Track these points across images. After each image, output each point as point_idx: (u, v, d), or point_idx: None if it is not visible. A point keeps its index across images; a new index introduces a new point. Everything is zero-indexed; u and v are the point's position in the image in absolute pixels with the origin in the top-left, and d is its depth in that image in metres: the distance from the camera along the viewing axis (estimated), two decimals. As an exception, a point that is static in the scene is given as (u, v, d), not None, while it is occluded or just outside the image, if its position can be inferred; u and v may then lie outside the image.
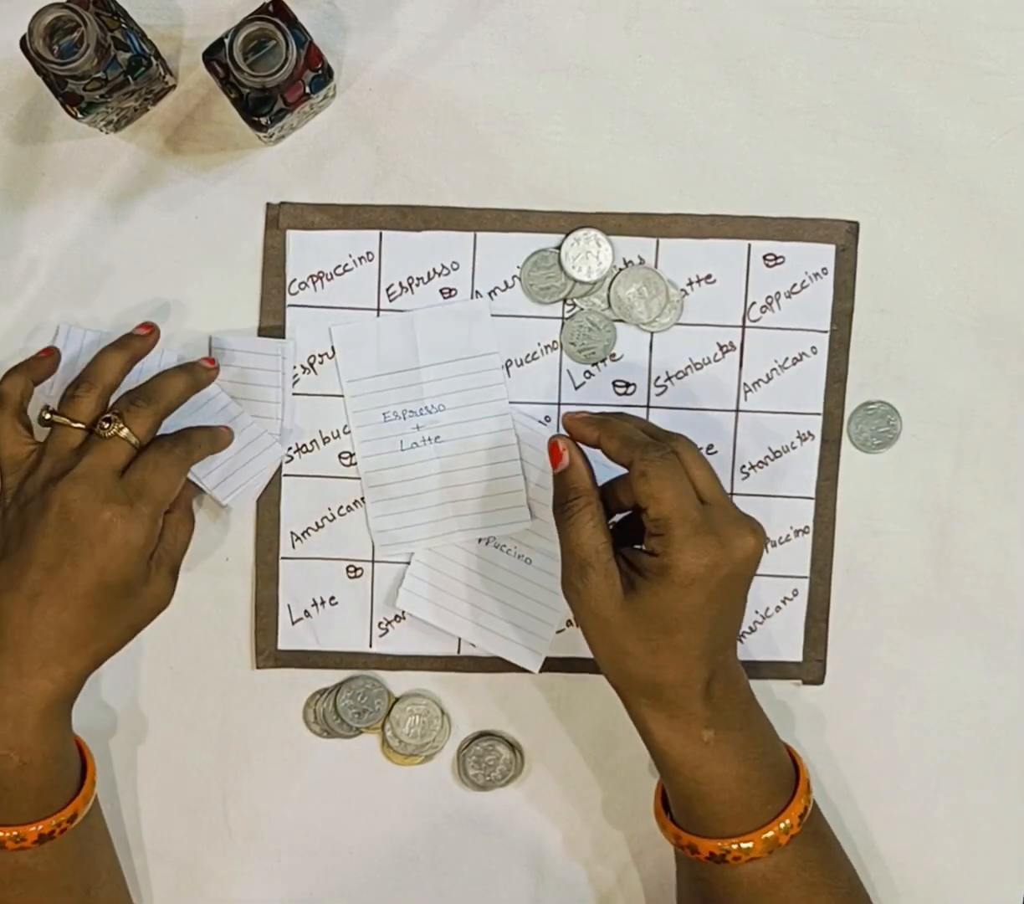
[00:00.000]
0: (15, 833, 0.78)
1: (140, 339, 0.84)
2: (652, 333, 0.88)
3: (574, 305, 0.88)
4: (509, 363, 0.88)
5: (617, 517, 0.83)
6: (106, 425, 0.79)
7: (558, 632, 0.89)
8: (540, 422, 0.88)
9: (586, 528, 0.78)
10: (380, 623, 0.90)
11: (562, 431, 0.81)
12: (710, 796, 0.79)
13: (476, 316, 0.87)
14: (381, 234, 0.87)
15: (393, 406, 0.87)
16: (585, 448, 0.80)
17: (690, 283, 0.88)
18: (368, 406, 0.88)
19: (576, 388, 0.88)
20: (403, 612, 0.89)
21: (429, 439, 0.87)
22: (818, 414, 0.88)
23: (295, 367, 0.87)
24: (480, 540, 0.88)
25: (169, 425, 0.83)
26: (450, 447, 0.88)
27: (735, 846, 0.78)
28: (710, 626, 0.77)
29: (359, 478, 0.88)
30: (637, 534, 0.80)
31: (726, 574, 0.76)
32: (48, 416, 0.81)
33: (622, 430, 0.79)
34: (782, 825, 0.79)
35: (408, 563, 0.89)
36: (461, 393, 0.87)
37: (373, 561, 0.89)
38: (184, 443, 0.81)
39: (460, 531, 0.88)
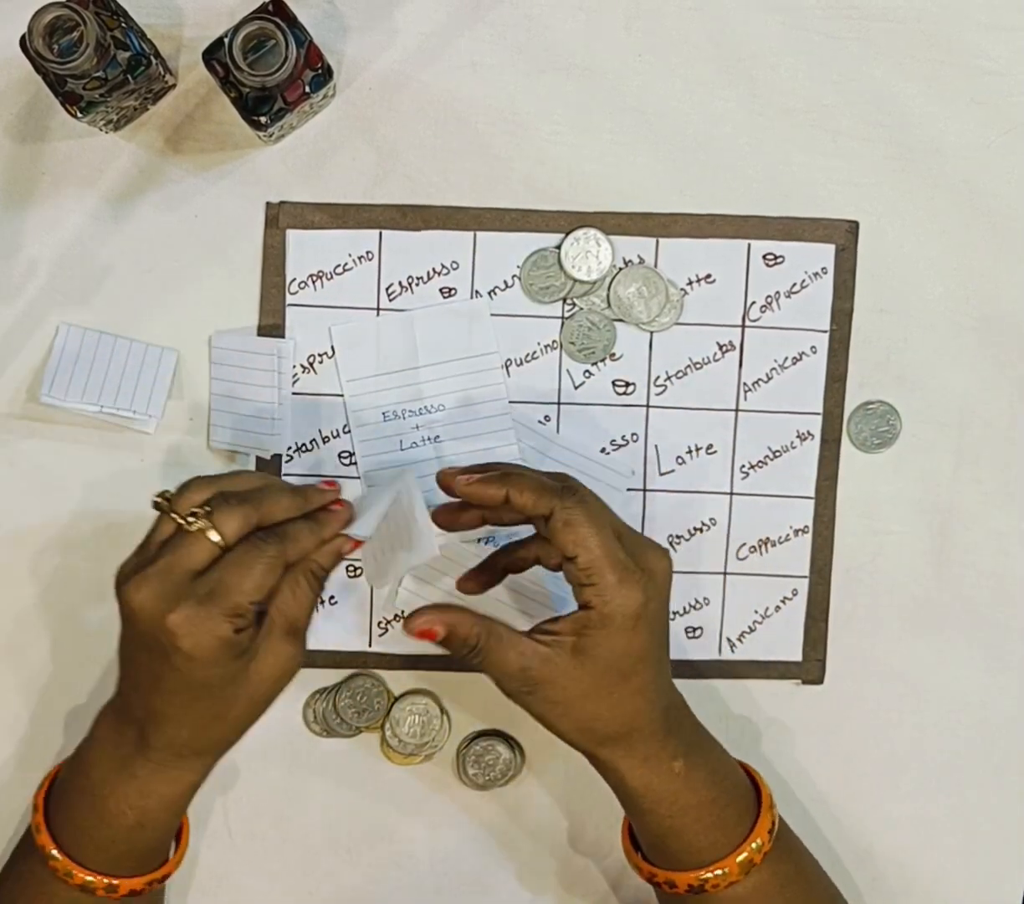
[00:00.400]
0: (109, 883, 0.77)
1: (318, 495, 0.77)
2: (652, 333, 0.88)
3: (574, 305, 0.88)
4: (509, 363, 0.88)
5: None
6: (191, 519, 0.73)
7: None
8: (540, 422, 0.88)
9: (501, 650, 0.76)
10: (380, 623, 0.90)
11: (459, 483, 0.77)
12: (686, 828, 0.78)
13: (476, 315, 0.87)
14: (381, 234, 0.87)
15: (392, 406, 0.87)
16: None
17: (690, 283, 0.88)
18: (368, 406, 0.88)
19: (576, 388, 0.88)
20: (403, 612, 0.89)
21: (428, 439, 0.87)
22: (818, 414, 0.88)
23: (295, 367, 0.87)
24: (479, 540, 0.88)
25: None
26: (449, 446, 0.87)
27: (712, 874, 0.78)
28: (657, 658, 0.77)
29: (359, 477, 0.88)
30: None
31: (657, 604, 0.76)
32: (157, 500, 0.76)
33: (530, 481, 0.76)
34: (754, 845, 0.78)
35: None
36: (460, 393, 0.87)
37: None
38: (276, 540, 0.73)
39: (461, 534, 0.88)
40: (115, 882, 0.78)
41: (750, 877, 0.78)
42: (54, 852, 0.77)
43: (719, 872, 0.78)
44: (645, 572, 0.75)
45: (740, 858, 0.78)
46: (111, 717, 0.77)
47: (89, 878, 0.77)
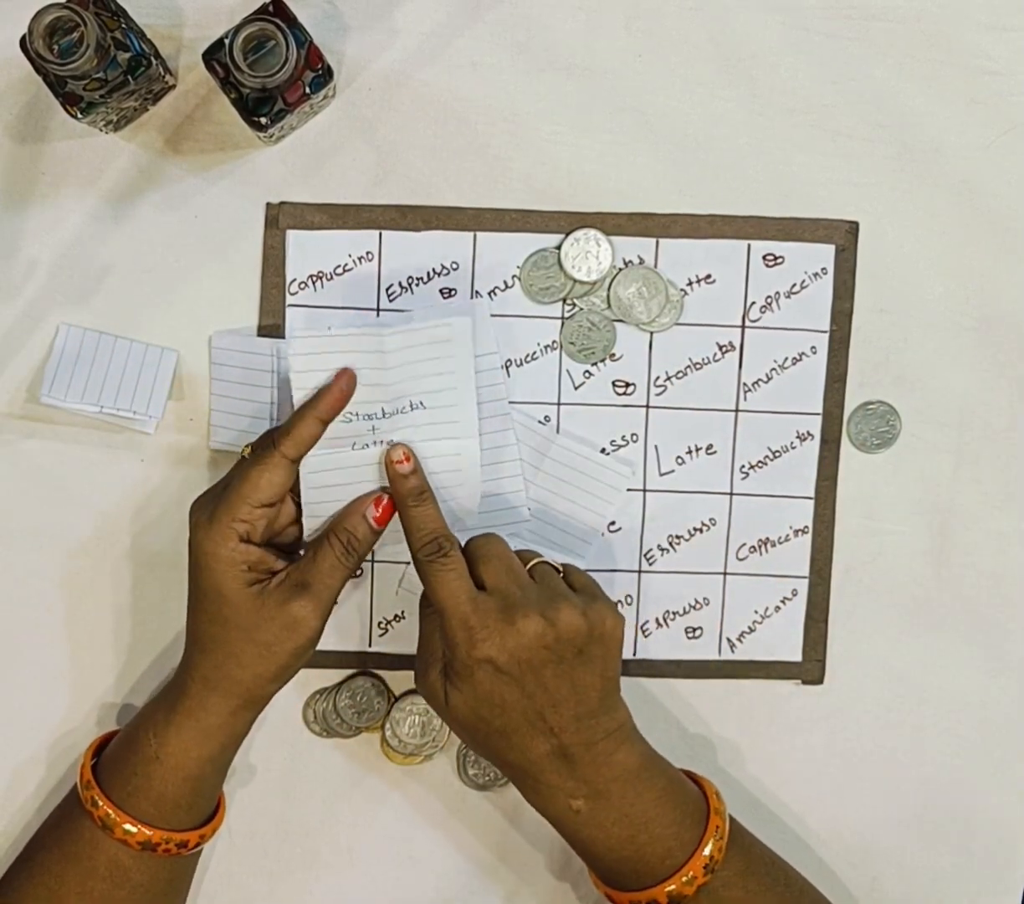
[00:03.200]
0: (128, 826, 0.79)
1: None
2: (652, 333, 0.88)
3: (574, 305, 0.88)
4: (509, 363, 0.88)
5: None
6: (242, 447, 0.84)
7: None
8: (540, 421, 0.88)
9: (426, 629, 0.82)
10: (380, 623, 0.90)
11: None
12: (601, 854, 0.80)
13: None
14: (381, 234, 0.87)
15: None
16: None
17: (690, 283, 0.88)
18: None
19: (576, 388, 0.88)
20: (403, 612, 0.89)
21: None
22: (818, 414, 0.88)
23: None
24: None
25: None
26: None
27: (675, 884, 0.79)
28: (521, 708, 0.78)
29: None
30: None
31: (514, 661, 0.77)
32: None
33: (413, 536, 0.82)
34: (687, 876, 0.79)
35: (408, 562, 0.88)
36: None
37: (373, 561, 0.89)
38: (269, 439, 0.81)
39: (458, 531, 0.88)
40: (133, 827, 0.79)
41: (717, 875, 0.79)
42: (90, 779, 0.81)
43: (686, 878, 0.79)
44: (495, 625, 0.78)
45: (669, 888, 0.79)
46: (175, 672, 0.83)
47: (111, 812, 0.79)
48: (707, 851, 0.79)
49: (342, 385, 0.81)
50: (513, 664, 0.77)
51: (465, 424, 0.83)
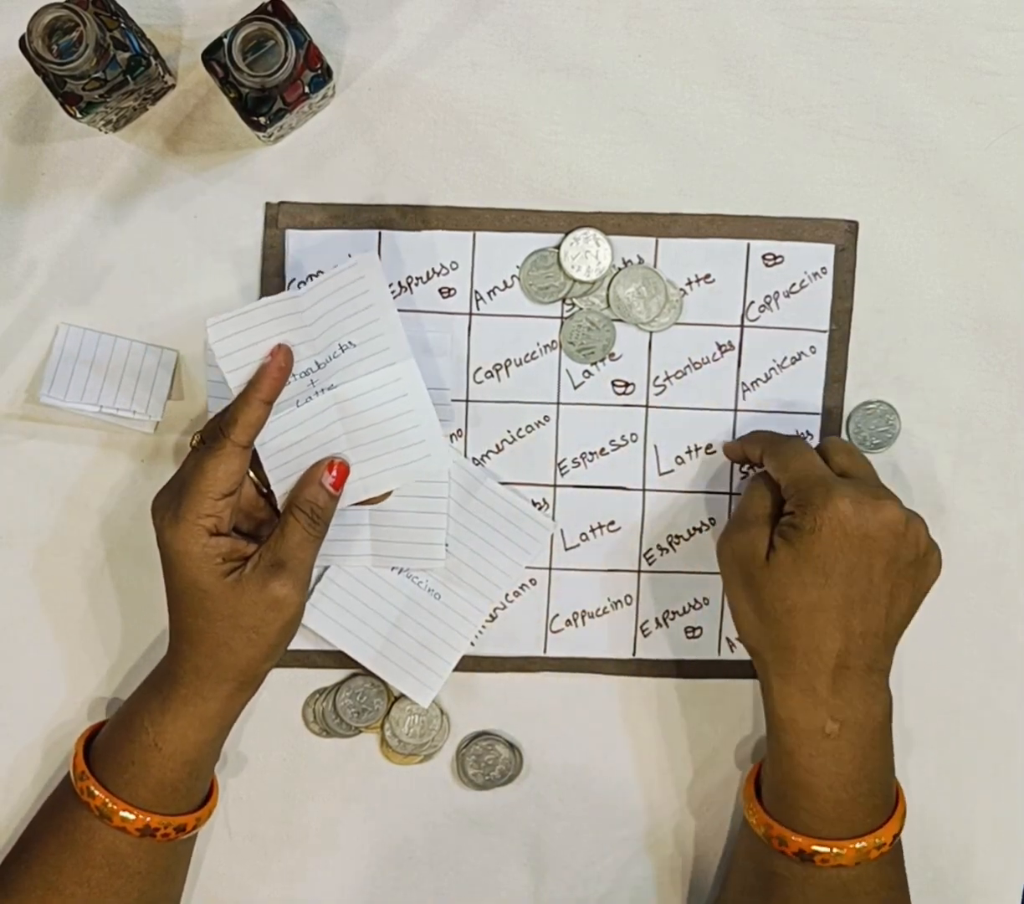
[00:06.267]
0: (125, 813, 0.80)
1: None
2: (651, 333, 0.88)
3: (573, 305, 0.88)
4: (508, 363, 0.88)
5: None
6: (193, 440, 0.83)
7: (556, 632, 0.89)
8: (475, 460, 0.88)
9: (758, 493, 0.82)
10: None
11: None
12: (816, 791, 0.79)
13: (437, 350, 0.86)
14: (380, 234, 0.87)
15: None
16: None
17: (689, 283, 0.88)
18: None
19: (575, 388, 0.88)
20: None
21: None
22: (817, 414, 0.88)
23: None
24: (393, 568, 0.88)
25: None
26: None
27: (828, 849, 0.79)
28: (843, 588, 0.78)
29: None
30: None
31: (860, 535, 0.78)
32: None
33: (758, 436, 0.86)
34: (877, 841, 0.80)
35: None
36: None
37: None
38: (214, 427, 0.80)
39: (373, 556, 0.88)
40: (130, 814, 0.79)
41: (858, 867, 0.80)
42: (84, 771, 0.81)
43: (836, 851, 0.79)
44: (851, 498, 0.78)
45: (859, 845, 0.79)
46: (164, 657, 0.82)
47: (110, 803, 0.79)
48: (902, 823, 0.81)
49: (279, 363, 0.80)
50: (860, 535, 0.78)
51: (396, 348, 0.81)
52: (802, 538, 0.78)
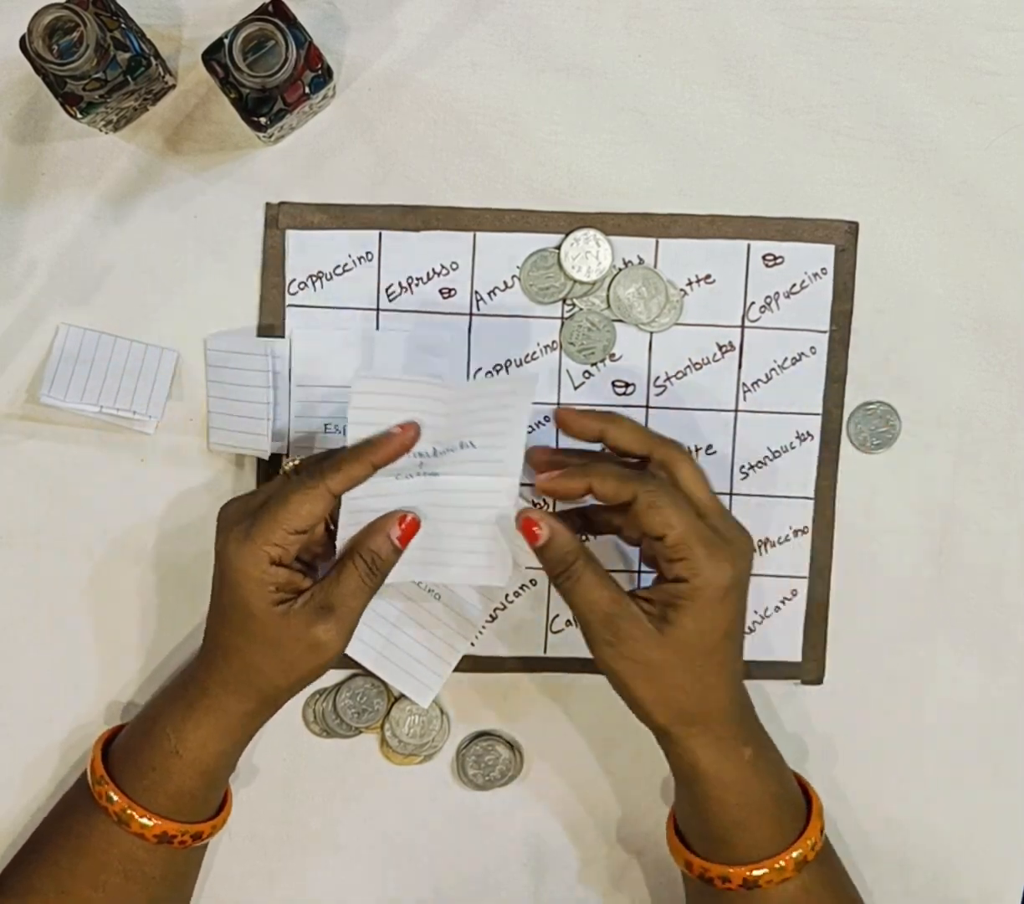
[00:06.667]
0: (145, 819, 0.80)
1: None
2: (651, 333, 0.88)
3: (573, 305, 0.88)
4: (508, 363, 0.88)
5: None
6: (287, 466, 0.83)
7: (556, 632, 0.89)
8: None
9: (595, 586, 0.78)
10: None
11: (539, 481, 0.81)
12: (751, 819, 0.79)
13: (437, 350, 0.87)
14: (381, 234, 0.87)
15: (337, 419, 0.87)
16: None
17: (689, 283, 0.88)
18: (312, 413, 0.87)
19: (575, 388, 0.88)
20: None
21: None
22: (817, 414, 0.88)
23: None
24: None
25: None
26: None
27: (767, 869, 0.79)
28: (738, 638, 0.79)
29: None
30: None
31: (744, 579, 0.78)
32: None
33: (611, 470, 0.79)
34: (809, 843, 0.80)
35: None
36: None
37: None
38: (317, 470, 0.79)
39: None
40: (150, 820, 0.79)
41: (801, 875, 0.79)
42: (102, 775, 0.80)
43: (778, 866, 0.79)
44: (730, 545, 0.78)
45: (795, 854, 0.79)
46: (191, 663, 0.83)
47: (128, 809, 0.79)
48: (820, 825, 0.81)
49: (405, 440, 0.79)
50: (742, 585, 0.78)
51: (509, 463, 0.81)
52: (706, 608, 0.77)
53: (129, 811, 0.80)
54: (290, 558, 0.79)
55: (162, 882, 0.82)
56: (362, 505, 0.81)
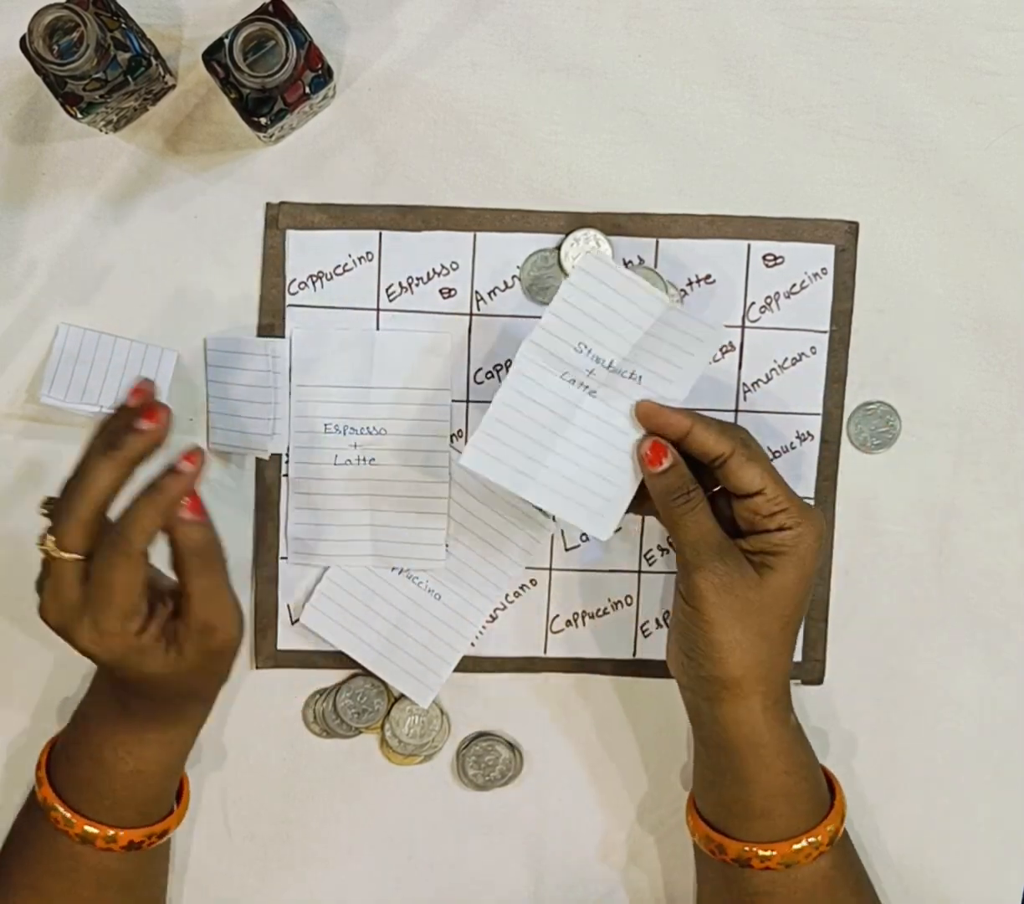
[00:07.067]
0: (110, 833, 0.79)
1: (132, 446, 0.73)
2: (652, 333, 0.88)
3: (574, 305, 0.88)
4: (508, 363, 0.88)
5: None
6: (45, 546, 0.74)
7: (556, 632, 0.89)
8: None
9: (710, 517, 0.79)
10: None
11: (642, 407, 0.80)
12: (796, 788, 0.80)
13: (437, 350, 0.87)
14: (381, 234, 0.87)
15: (335, 419, 0.87)
16: None
17: (690, 283, 0.88)
18: (311, 413, 0.87)
19: (576, 388, 0.88)
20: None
21: (364, 459, 0.87)
22: (817, 414, 0.88)
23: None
24: (393, 569, 0.88)
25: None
26: (383, 472, 0.87)
27: (806, 842, 0.79)
28: (806, 607, 0.81)
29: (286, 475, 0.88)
30: None
31: (822, 547, 0.80)
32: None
33: (713, 421, 0.80)
34: (840, 815, 0.81)
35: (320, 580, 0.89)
36: (406, 422, 0.87)
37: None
38: (120, 536, 0.72)
39: (373, 556, 0.88)
40: (115, 832, 0.79)
41: (832, 851, 0.80)
42: (56, 804, 0.79)
43: (812, 840, 0.79)
44: (817, 509, 0.82)
45: (830, 827, 0.80)
46: (102, 679, 0.80)
47: (89, 828, 0.79)
48: (840, 815, 0.82)
49: (155, 437, 0.73)
50: (822, 547, 0.80)
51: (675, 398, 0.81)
52: (805, 556, 0.78)
53: (91, 830, 0.79)
54: (144, 614, 0.74)
55: (137, 883, 0.82)
56: (518, 401, 0.80)
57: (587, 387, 0.80)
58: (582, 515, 0.81)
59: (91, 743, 0.80)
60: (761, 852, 0.80)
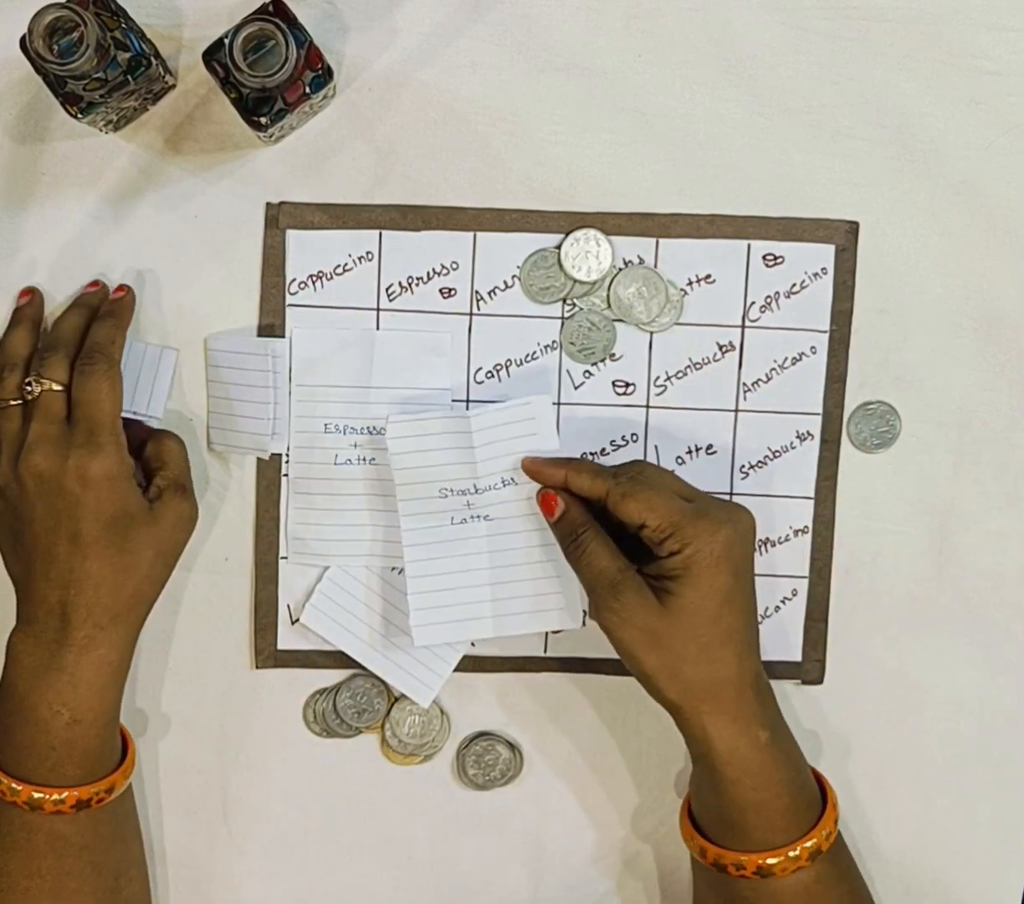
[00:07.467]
0: (57, 796, 0.79)
1: (92, 298, 0.86)
2: (652, 333, 0.88)
3: (574, 305, 0.88)
4: (508, 363, 0.88)
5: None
6: (29, 388, 0.81)
7: (556, 632, 0.89)
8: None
9: (602, 554, 0.81)
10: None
11: (524, 461, 0.85)
12: (767, 804, 0.79)
13: (439, 349, 0.87)
14: (381, 234, 0.87)
15: (336, 419, 0.87)
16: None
17: (690, 283, 0.88)
18: (311, 413, 0.87)
19: (576, 388, 0.88)
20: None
21: (363, 459, 0.87)
22: (817, 414, 0.88)
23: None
24: (393, 568, 0.88)
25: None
26: (383, 472, 0.87)
27: (782, 857, 0.79)
28: (746, 607, 0.80)
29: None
30: (634, 557, 0.82)
31: (740, 550, 0.79)
32: None
33: (586, 465, 0.84)
34: (823, 833, 0.80)
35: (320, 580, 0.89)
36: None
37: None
38: (100, 355, 0.82)
39: (373, 556, 0.88)
40: (62, 794, 0.79)
41: (813, 866, 0.80)
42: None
43: (792, 855, 0.79)
44: (720, 517, 0.80)
45: (810, 843, 0.79)
46: (21, 633, 0.81)
47: (36, 793, 0.79)
48: (834, 816, 0.81)
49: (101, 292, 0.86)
50: (741, 554, 0.80)
51: None
52: (702, 574, 0.78)
53: (38, 795, 0.79)
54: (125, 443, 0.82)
55: (95, 847, 0.81)
56: (425, 554, 0.85)
57: (476, 517, 0.85)
58: (552, 619, 0.87)
59: (24, 707, 0.80)
60: (735, 860, 0.80)
